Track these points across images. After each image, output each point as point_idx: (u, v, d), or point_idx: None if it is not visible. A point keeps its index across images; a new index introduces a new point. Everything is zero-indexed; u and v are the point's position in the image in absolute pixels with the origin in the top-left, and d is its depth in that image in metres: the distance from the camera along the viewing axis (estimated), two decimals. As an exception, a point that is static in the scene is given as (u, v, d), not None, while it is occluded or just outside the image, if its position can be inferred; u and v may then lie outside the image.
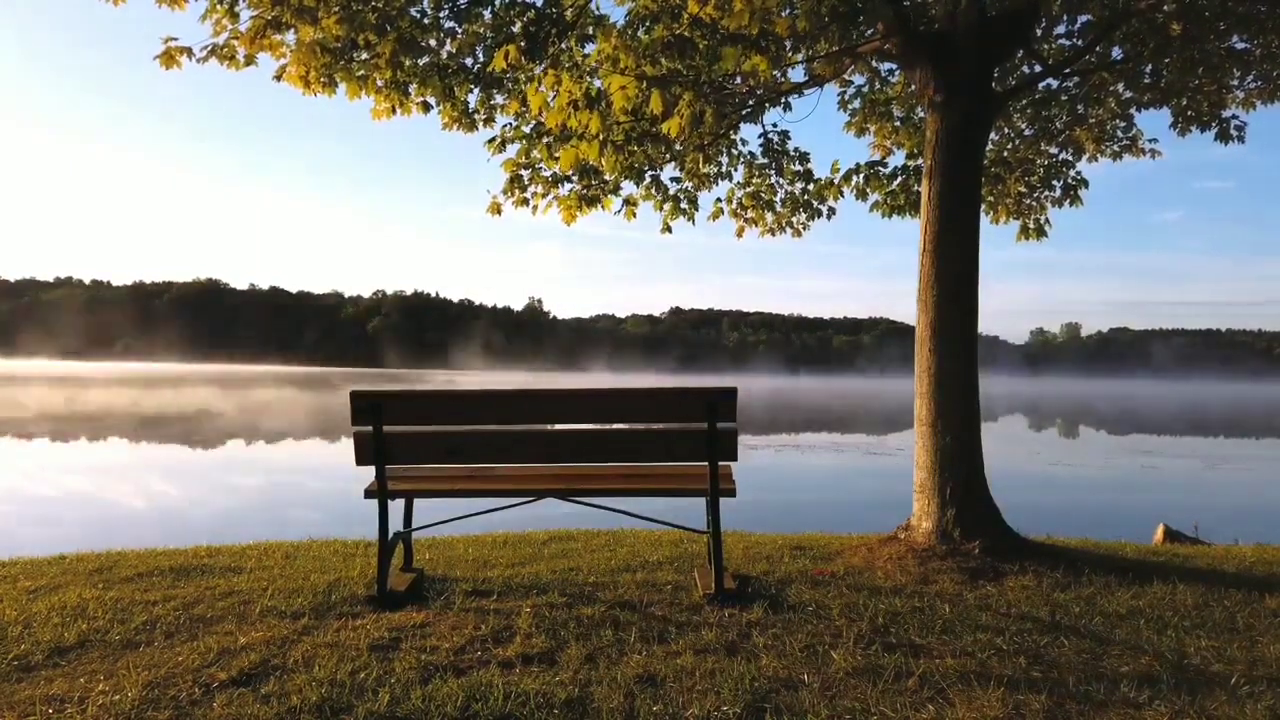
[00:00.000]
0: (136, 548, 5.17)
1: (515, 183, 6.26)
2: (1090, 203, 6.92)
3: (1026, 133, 6.87)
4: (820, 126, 8.60)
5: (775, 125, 6.62)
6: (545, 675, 2.84)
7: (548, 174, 6.23)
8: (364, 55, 5.01)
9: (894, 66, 6.38)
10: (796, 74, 6.14)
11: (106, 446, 19.15)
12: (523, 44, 4.78)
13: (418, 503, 4.29)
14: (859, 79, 6.71)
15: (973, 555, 4.46)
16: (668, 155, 6.37)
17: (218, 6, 4.75)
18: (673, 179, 6.64)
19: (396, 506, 4.09)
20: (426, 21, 5.20)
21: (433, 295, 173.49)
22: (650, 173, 6.46)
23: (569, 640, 3.20)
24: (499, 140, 6.15)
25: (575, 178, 6.23)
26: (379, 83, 5.18)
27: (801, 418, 35.48)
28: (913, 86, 5.80)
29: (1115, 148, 6.74)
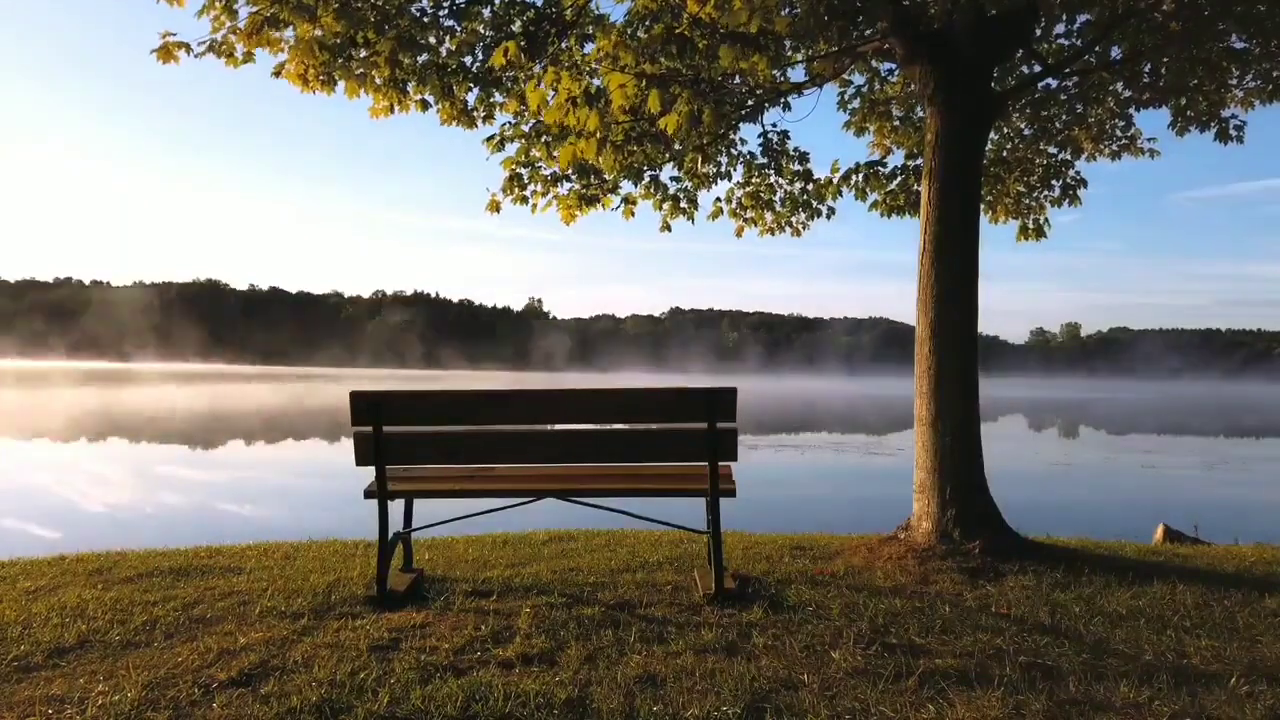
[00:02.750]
0: (136, 548, 5.17)
1: (514, 181, 6.26)
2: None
3: (1026, 132, 6.87)
4: (820, 126, 8.60)
5: (774, 125, 6.62)
6: (545, 675, 2.84)
7: (547, 173, 6.23)
8: (363, 53, 5.00)
9: (894, 66, 6.38)
10: (796, 74, 6.15)
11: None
12: (522, 43, 4.77)
13: (418, 503, 4.29)
14: (858, 79, 6.71)
15: (973, 555, 4.46)
16: (667, 155, 6.36)
17: (215, 3, 4.74)
18: (672, 178, 6.65)
19: (396, 507, 4.08)
20: (426, 20, 5.19)
21: (432, 295, 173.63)
22: (649, 172, 6.45)
23: (569, 640, 3.20)
24: (498, 138, 6.16)
25: (574, 176, 6.23)
26: (377, 81, 5.17)
27: (801, 418, 35.47)
28: (912, 86, 5.81)
29: (1114, 147, 6.75)
